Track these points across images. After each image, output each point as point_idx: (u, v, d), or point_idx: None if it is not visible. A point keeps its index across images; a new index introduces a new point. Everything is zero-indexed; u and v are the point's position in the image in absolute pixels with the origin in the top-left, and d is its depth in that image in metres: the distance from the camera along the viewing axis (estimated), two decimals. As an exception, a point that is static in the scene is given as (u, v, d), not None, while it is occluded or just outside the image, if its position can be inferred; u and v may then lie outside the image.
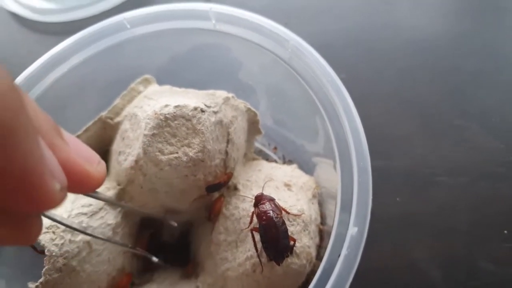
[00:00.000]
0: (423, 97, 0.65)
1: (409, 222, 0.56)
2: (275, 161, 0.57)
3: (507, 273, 0.52)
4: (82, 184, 0.25)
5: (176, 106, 0.43)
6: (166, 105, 0.43)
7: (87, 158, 0.25)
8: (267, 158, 0.58)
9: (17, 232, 0.21)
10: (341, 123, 0.39)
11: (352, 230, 0.34)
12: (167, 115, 0.42)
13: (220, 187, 0.46)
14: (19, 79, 0.48)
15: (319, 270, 0.34)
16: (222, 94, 0.48)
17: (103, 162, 0.28)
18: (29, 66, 0.48)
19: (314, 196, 0.48)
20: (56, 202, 0.21)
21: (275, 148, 0.58)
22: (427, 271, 0.52)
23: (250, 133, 0.53)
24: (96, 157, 0.27)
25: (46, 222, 0.41)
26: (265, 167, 0.52)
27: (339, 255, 0.34)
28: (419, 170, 0.59)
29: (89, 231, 0.43)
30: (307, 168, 0.52)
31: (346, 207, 0.36)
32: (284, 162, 0.58)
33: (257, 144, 0.58)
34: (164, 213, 0.48)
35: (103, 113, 0.50)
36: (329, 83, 0.40)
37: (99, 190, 0.46)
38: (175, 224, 0.47)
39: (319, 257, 0.45)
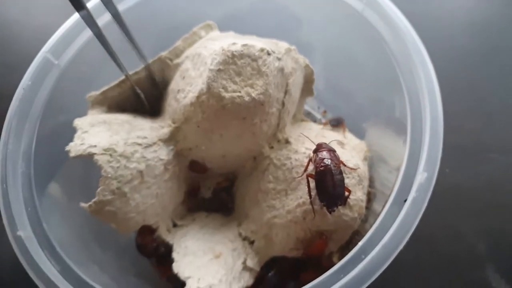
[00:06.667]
0: (479, 76, 0.65)
1: (458, 195, 0.55)
2: (324, 124, 0.57)
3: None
4: None
5: (243, 45, 0.42)
6: (234, 43, 0.43)
7: None
8: (315, 121, 0.57)
9: None
10: (415, 79, 0.38)
11: (422, 175, 0.33)
12: (234, 52, 0.42)
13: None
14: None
15: (382, 213, 0.34)
16: (284, 44, 0.48)
17: None
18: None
19: (365, 159, 0.48)
20: None
21: (325, 111, 0.58)
22: (473, 244, 0.52)
23: (302, 93, 0.52)
24: None
25: (103, 144, 0.41)
26: (314, 127, 0.52)
27: (405, 200, 0.33)
28: (470, 145, 0.59)
29: (142, 162, 0.43)
30: (357, 133, 0.52)
31: (414, 155, 0.35)
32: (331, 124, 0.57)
33: (306, 107, 0.58)
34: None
35: (163, 53, 0.50)
36: (407, 39, 0.39)
37: (152, 125, 0.47)
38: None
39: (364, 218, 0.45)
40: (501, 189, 0.56)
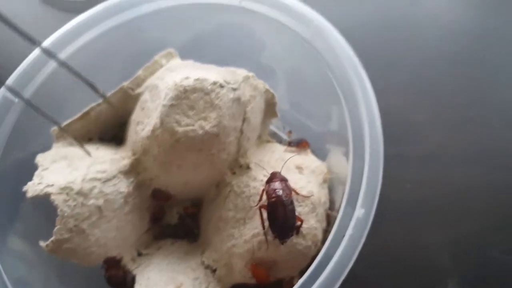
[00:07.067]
0: (442, 87, 0.65)
1: (420, 209, 0.56)
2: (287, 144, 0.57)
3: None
4: None
5: (196, 79, 0.43)
6: (187, 77, 0.43)
7: None
8: (281, 141, 0.58)
9: None
10: (357, 106, 0.38)
11: (359, 211, 0.34)
12: (186, 87, 0.43)
13: None
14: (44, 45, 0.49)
15: (322, 250, 0.34)
16: (242, 72, 0.48)
17: None
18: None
19: (324, 181, 0.48)
20: None
21: (290, 132, 0.58)
22: (436, 257, 0.53)
23: (266, 115, 0.53)
24: None
25: (61, 183, 0.42)
26: (278, 149, 0.53)
27: (343, 236, 0.34)
28: (433, 158, 0.59)
29: (101, 197, 0.44)
30: (320, 154, 0.52)
31: (354, 190, 0.36)
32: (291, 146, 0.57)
33: (272, 127, 0.58)
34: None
35: (125, 83, 0.51)
36: (348, 65, 0.40)
37: (113, 157, 0.47)
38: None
39: (325, 242, 0.45)
40: (465, 201, 0.56)
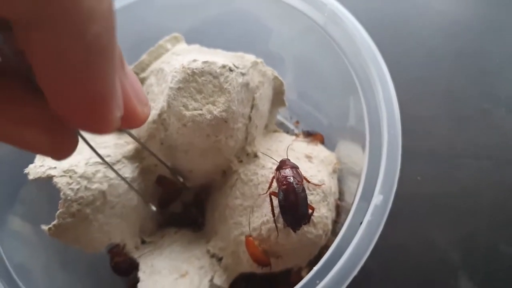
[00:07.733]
0: (450, 80, 0.64)
1: (430, 202, 0.55)
2: (296, 135, 0.56)
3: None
4: (127, 121, 0.24)
5: (204, 62, 0.42)
6: (194, 60, 0.42)
7: (139, 97, 0.25)
8: (288, 132, 0.57)
9: (57, 142, 0.21)
10: (374, 94, 0.37)
11: (377, 198, 0.33)
12: (194, 70, 0.41)
13: None
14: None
15: (339, 236, 0.33)
16: (250, 57, 0.47)
17: (149, 106, 0.28)
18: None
19: (334, 171, 0.47)
20: (112, 128, 0.21)
21: (297, 122, 0.57)
22: (446, 252, 0.52)
23: (274, 104, 0.52)
24: (146, 99, 0.27)
25: (64, 165, 0.41)
26: (286, 138, 0.51)
27: (361, 222, 0.33)
28: (443, 151, 0.58)
29: (105, 182, 0.42)
30: (329, 143, 0.51)
31: (372, 177, 0.34)
32: (304, 137, 0.56)
33: (279, 117, 0.57)
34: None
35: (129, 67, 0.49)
36: (365, 51, 0.39)
37: (117, 142, 0.46)
38: (189, 187, 0.46)
39: (334, 233, 0.44)
40: (474, 196, 0.55)
